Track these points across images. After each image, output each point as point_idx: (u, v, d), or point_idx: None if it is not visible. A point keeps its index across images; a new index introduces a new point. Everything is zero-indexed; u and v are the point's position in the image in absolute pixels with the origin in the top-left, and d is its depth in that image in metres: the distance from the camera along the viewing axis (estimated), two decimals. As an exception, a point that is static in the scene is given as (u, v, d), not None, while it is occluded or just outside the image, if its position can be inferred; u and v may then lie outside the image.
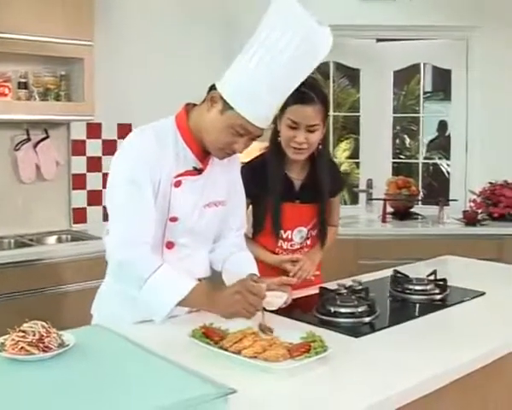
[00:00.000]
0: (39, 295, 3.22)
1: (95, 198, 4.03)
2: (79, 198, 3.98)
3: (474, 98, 4.74)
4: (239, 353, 1.59)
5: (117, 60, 4.03)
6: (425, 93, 7.12)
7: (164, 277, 1.81)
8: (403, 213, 4.60)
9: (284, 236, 2.39)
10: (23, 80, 3.59)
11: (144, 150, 1.84)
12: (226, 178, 2.03)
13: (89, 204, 4.02)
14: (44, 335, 1.54)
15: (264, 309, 1.83)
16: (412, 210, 4.68)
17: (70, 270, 3.35)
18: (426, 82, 7.33)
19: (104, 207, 4.05)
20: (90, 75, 3.64)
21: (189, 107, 1.94)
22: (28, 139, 3.71)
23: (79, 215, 3.98)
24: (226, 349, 1.61)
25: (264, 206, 2.36)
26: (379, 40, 4.94)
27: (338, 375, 1.55)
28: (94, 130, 3.99)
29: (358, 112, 5.12)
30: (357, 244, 4.16)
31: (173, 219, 1.90)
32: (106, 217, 3.99)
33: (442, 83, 6.45)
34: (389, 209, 4.61)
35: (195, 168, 1.91)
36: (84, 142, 3.97)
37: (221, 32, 4.46)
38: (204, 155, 1.93)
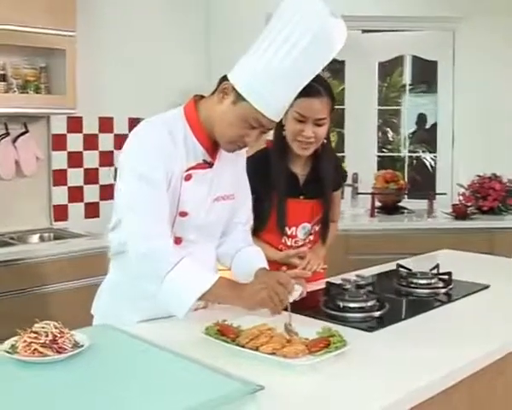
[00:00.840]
0: (21, 296, 3.21)
1: (76, 195, 4.01)
2: (60, 195, 3.95)
3: (460, 90, 4.82)
4: (256, 349, 1.60)
5: (99, 51, 4.01)
6: (408, 85, 7.21)
7: (187, 269, 1.81)
8: (390, 208, 4.66)
9: (289, 232, 2.41)
10: (1, 72, 3.55)
11: (158, 144, 1.83)
12: (233, 172, 2.04)
13: (70, 201, 3.99)
14: (58, 335, 1.54)
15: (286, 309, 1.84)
16: (399, 204, 4.75)
17: (53, 269, 3.33)
18: (408, 74, 7.42)
19: (86, 204, 4.04)
20: (71, 67, 3.62)
21: (197, 98, 1.94)
22: (7, 134, 3.68)
23: (60, 212, 3.95)
24: (243, 346, 1.62)
25: (268, 202, 2.37)
26: (364, 31, 5.00)
27: (358, 370, 1.58)
28: (75, 124, 3.96)
29: (342, 104, 5.16)
30: (347, 240, 4.19)
31: (183, 214, 1.91)
32: (88, 214, 4.04)
33: (423, 75, 6.54)
34: (377, 203, 4.66)
35: (205, 161, 1.92)
36: (64, 136, 3.94)
37: (202, 18, 4.48)
38: (213, 148, 1.93)
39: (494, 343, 1.81)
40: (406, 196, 4.99)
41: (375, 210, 4.59)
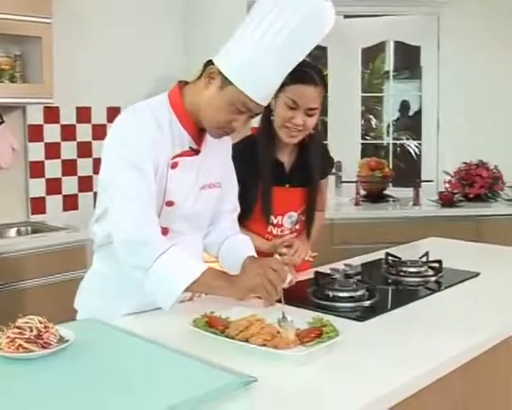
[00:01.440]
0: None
1: (54, 187, 3.97)
2: (37, 187, 3.91)
3: (445, 76, 4.85)
4: (246, 341, 1.60)
5: (76, 39, 3.97)
6: (388, 71, 7.23)
7: (175, 258, 1.81)
8: (375, 196, 4.68)
9: (275, 221, 2.41)
10: (-26, 61, 3.50)
11: (144, 131, 1.82)
12: (219, 159, 2.03)
13: (48, 193, 3.94)
14: (43, 330, 1.51)
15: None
16: (385, 192, 4.76)
17: (31, 264, 3.31)
18: (392, 60, 7.44)
19: (64, 196, 4.01)
20: (48, 55, 3.57)
21: (182, 85, 1.92)
22: (-19, 125, 3.62)
23: (38, 205, 3.91)
24: (233, 338, 1.62)
25: (254, 190, 2.37)
26: (346, 16, 4.99)
27: (352, 360, 1.58)
28: (52, 114, 3.92)
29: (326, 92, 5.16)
30: (331, 229, 4.20)
31: (170, 204, 1.89)
32: (66, 206, 4.00)
33: (407, 61, 6.56)
34: (361, 192, 4.68)
35: (192, 148, 1.91)
36: (41, 127, 3.90)
37: (181, 4, 4.45)
38: (199, 135, 1.92)
39: (488, 331, 1.82)
40: (391, 184, 5.02)
41: (360, 199, 4.60)
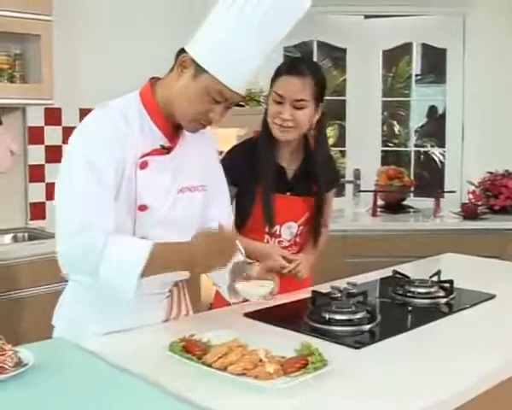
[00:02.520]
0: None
1: (54, 192, 3.88)
2: (37, 192, 3.83)
3: (471, 80, 4.68)
4: (225, 369, 1.49)
5: (78, 37, 3.88)
6: (416, 75, 7.06)
7: (115, 251, 1.68)
8: (394, 206, 4.55)
9: (272, 231, 2.30)
10: (-29, 59, 3.44)
11: (106, 128, 1.73)
12: (202, 161, 1.94)
13: (48, 198, 3.85)
14: (-2, 353, 1.42)
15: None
16: (404, 203, 4.62)
17: (27, 273, 3.22)
18: (417, 63, 7.27)
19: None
20: (47, 54, 3.49)
21: (154, 80, 1.85)
22: (-22, 126, 3.56)
23: (37, 211, 3.83)
24: (210, 365, 1.51)
25: (251, 196, 2.28)
26: (367, 16, 4.86)
27: (339, 394, 1.46)
28: (53, 115, 3.84)
29: (343, 95, 5.04)
30: (345, 241, 4.09)
31: (142, 208, 1.79)
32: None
33: (433, 64, 6.40)
34: (379, 202, 4.54)
35: (163, 147, 1.82)
36: (42, 129, 3.82)
37: (185, 2, 4.37)
38: (174, 132, 1.84)
39: (500, 361, 1.68)
40: (412, 194, 4.88)
41: (378, 209, 4.46)
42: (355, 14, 4.83)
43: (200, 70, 1.71)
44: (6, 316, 3.11)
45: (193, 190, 1.90)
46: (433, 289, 2.21)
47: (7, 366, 1.41)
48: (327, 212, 2.46)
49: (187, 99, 1.74)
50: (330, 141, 7.40)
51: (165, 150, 1.82)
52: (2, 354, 1.43)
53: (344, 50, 4.96)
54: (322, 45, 5.33)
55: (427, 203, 4.54)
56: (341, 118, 5.28)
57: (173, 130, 1.83)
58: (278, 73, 2.24)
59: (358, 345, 1.74)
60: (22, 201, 3.78)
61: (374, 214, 4.42)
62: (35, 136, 3.81)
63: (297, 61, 2.25)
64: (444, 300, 2.17)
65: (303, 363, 1.49)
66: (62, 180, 1.76)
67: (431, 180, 6.30)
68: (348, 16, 4.84)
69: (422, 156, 6.88)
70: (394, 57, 6.35)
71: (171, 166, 1.83)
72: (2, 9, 3.29)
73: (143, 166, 1.78)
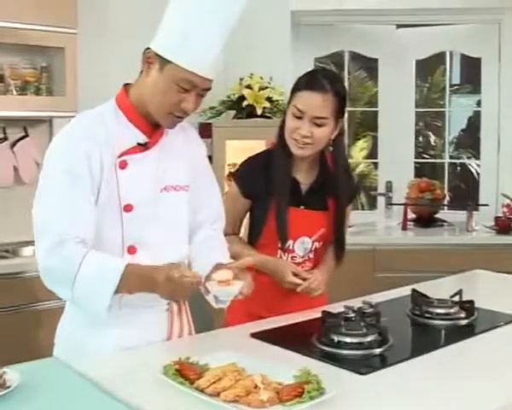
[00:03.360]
0: (13, 314, 3.11)
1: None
2: (62, 204, 3.82)
3: (507, 90, 4.51)
4: (217, 395, 1.40)
5: (103, 49, 3.89)
6: (452, 85, 6.87)
7: (90, 270, 1.68)
8: (426, 220, 4.41)
9: (285, 246, 2.22)
10: (-2, 73, 3.46)
11: (78, 134, 1.75)
12: (186, 161, 1.92)
13: (72, 210, 3.86)
14: (-20, 375, 1.37)
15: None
16: (437, 216, 4.49)
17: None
18: (453, 73, 7.08)
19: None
20: (72, 66, 3.52)
21: (128, 85, 1.86)
22: (5, 138, 3.60)
23: (62, 223, 3.83)
24: (203, 391, 1.42)
25: (265, 210, 2.21)
26: (399, 26, 4.74)
27: (336, 425, 1.36)
28: None
29: (377, 107, 4.92)
30: (374, 255, 4.00)
31: (128, 209, 1.78)
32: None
33: (470, 74, 6.23)
34: (411, 215, 4.42)
35: (140, 144, 1.80)
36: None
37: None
38: (152, 130, 1.83)
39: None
40: (446, 208, 4.73)
41: (409, 222, 4.33)
42: (386, 24, 4.72)
43: (164, 62, 1.72)
44: (28, 328, 3.10)
45: (178, 189, 1.89)
46: (452, 310, 2.08)
47: (-11, 389, 1.36)
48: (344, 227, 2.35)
49: (158, 93, 1.74)
50: (363, 153, 7.27)
51: (143, 147, 1.80)
52: (-15, 376, 1.37)
53: (376, 60, 4.86)
54: (354, 56, 5.24)
55: (461, 217, 4.38)
56: (375, 129, 5.15)
57: (151, 128, 1.82)
58: (298, 87, 2.15)
59: (365, 371, 1.63)
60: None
61: (404, 228, 4.29)
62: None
63: (318, 75, 2.12)
64: (464, 321, 2.04)
65: (299, 391, 1.40)
66: (39, 193, 1.75)
67: (466, 193, 6.12)
68: (380, 26, 4.74)
69: (459, 168, 6.69)
70: (430, 67, 6.19)
71: (152, 162, 1.82)
72: (28, 23, 3.34)
73: (123, 165, 1.77)
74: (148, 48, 1.76)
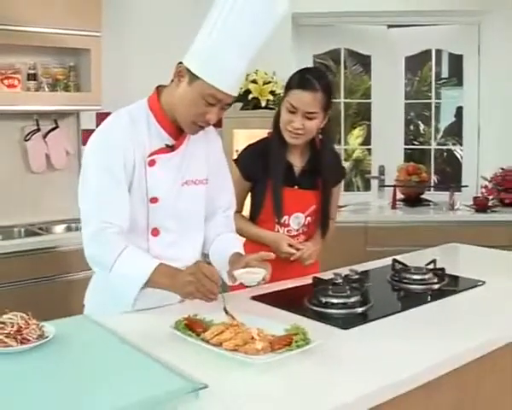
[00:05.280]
0: (48, 283, 3.22)
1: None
2: (90, 187, 3.93)
3: (485, 83, 4.58)
4: (220, 345, 1.53)
5: (126, 49, 3.97)
6: (441, 79, 6.92)
7: (127, 261, 1.78)
8: (413, 200, 4.50)
9: (281, 221, 2.33)
10: (32, 72, 3.56)
11: (117, 134, 1.82)
12: (206, 157, 2.00)
13: (99, 193, 3.97)
14: (23, 326, 1.50)
15: (224, 290, 1.80)
16: (423, 197, 4.57)
17: (78, 258, 3.27)
18: (442, 67, 7.12)
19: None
20: (96, 66, 3.60)
21: (161, 88, 1.92)
22: (38, 130, 3.69)
23: (90, 204, 3.94)
24: (207, 341, 1.55)
25: (263, 190, 2.32)
26: (390, 26, 4.81)
27: (319, 369, 1.47)
28: (103, 119, 3.88)
29: (370, 98, 5.00)
30: (366, 231, 4.09)
31: (154, 200, 1.88)
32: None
33: (459, 68, 6.27)
34: (400, 196, 4.51)
35: (168, 145, 1.88)
36: (93, 131, 3.91)
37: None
38: (178, 132, 1.90)
39: (479, 338, 1.68)
40: (432, 189, 4.82)
41: (398, 202, 4.42)
42: (379, 24, 4.79)
43: (193, 77, 1.77)
44: (60, 295, 3.21)
45: (197, 183, 1.97)
46: (427, 276, 2.19)
47: (31, 338, 1.49)
48: (333, 205, 2.46)
49: (185, 104, 1.81)
50: (359, 140, 7.34)
51: (170, 149, 1.89)
52: (27, 328, 1.50)
53: (369, 57, 4.92)
54: (351, 53, 5.30)
55: (445, 197, 4.46)
56: (369, 119, 5.23)
57: (178, 131, 1.89)
58: (292, 85, 2.24)
59: (347, 326, 1.75)
60: (76, 195, 3.86)
61: (393, 207, 4.39)
62: (87, 137, 3.85)
63: (309, 76, 2.21)
64: (436, 286, 2.15)
65: (288, 341, 1.52)
66: (84, 184, 1.84)
67: (452, 176, 6.18)
68: (373, 26, 4.80)
69: (445, 154, 6.75)
70: (419, 62, 6.25)
71: (177, 162, 1.90)
72: (58, 28, 3.41)
73: (152, 164, 1.85)
74: (181, 62, 1.82)
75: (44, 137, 3.71)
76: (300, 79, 2.22)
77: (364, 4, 4.48)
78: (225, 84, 1.76)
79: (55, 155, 3.74)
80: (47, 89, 3.60)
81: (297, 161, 2.36)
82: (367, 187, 5.31)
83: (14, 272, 3.11)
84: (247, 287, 1.99)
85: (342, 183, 2.60)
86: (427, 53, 5.11)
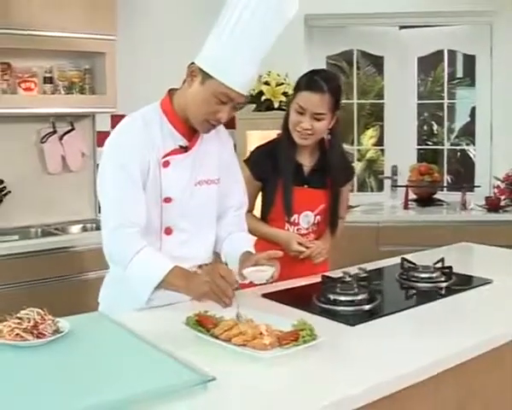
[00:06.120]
0: (64, 282, 3.28)
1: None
2: (105, 188, 3.99)
3: (498, 83, 4.58)
4: (229, 340, 1.57)
5: (140, 52, 4.02)
6: (454, 79, 6.91)
7: (143, 260, 1.83)
8: (426, 200, 4.50)
9: (291, 219, 2.38)
10: (48, 75, 3.63)
11: (132, 136, 1.87)
12: (218, 156, 2.03)
13: (114, 194, 4.03)
14: (39, 322, 1.56)
15: (237, 288, 1.82)
16: (436, 197, 4.57)
17: (93, 258, 3.36)
18: (457, 68, 7.11)
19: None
20: (111, 69, 3.66)
21: (173, 91, 1.96)
22: (54, 132, 3.75)
23: (105, 205, 4.00)
24: (217, 337, 1.59)
25: (273, 189, 2.37)
26: (402, 27, 4.83)
27: (325, 364, 1.51)
28: (118, 121, 3.88)
29: (383, 99, 5.02)
30: (378, 231, 4.11)
31: (168, 200, 1.92)
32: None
33: (472, 69, 6.26)
34: (412, 196, 4.52)
35: (181, 146, 1.93)
36: (108, 133, 3.91)
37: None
38: (191, 133, 1.94)
39: (483, 334, 1.71)
40: (445, 189, 4.83)
41: (410, 202, 4.44)
42: (391, 25, 4.81)
43: (206, 76, 1.81)
44: (76, 294, 3.25)
45: (209, 183, 2.01)
46: (434, 275, 2.22)
47: (46, 333, 1.55)
48: (342, 205, 2.50)
49: (198, 103, 1.84)
50: (372, 140, 7.36)
51: (184, 149, 1.93)
52: (43, 323, 1.56)
53: (381, 58, 4.94)
54: (364, 54, 5.32)
55: (457, 197, 4.46)
56: (382, 119, 5.25)
57: (190, 132, 1.94)
58: (300, 87, 2.29)
59: (354, 322, 1.79)
60: (92, 196, 3.94)
61: (405, 207, 4.40)
62: (103, 139, 3.93)
63: (317, 77, 2.25)
64: (443, 284, 2.18)
65: (295, 336, 1.56)
66: (102, 184, 1.90)
67: (465, 176, 6.17)
68: (385, 27, 4.82)
69: (459, 154, 6.74)
70: (433, 62, 6.25)
71: (190, 162, 1.94)
72: (74, 32, 3.48)
73: (166, 164, 1.90)
74: (193, 62, 1.86)
75: (60, 139, 3.77)
76: (308, 81, 2.26)
77: (376, 5, 4.51)
78: (237, 83, 1.80)
79: (70, 157, 3.81)
80: (63, 92, 3.67)
81: (306, 161, 2.40)
82: (380, 187, 5.33)
83: (30, 271, 3.17)
84: (256, 285, 2.03)
85: (353, 182, 2.63)
86: (441, 53, 5.11)
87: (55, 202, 3.81)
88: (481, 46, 4.65)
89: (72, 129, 3.82)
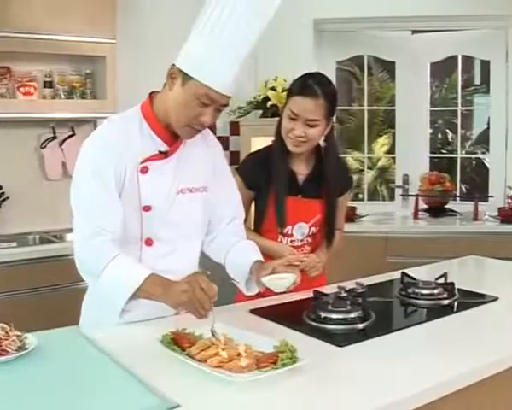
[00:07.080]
0: (61, 291, 3.20)
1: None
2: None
3: (513, 89, 4.44)
4: (205, 361, 1.47)
5: (138, 57, 3.95)
6: (471, 85, 6.76)
7: (118, 268, 1.71)
8: (437, 210, 4.36)
9: (284, 231, 2.26)
10: (48, 79, 3.57)
11: (108, 140, 1.78)
12: (205, 164, 1.94)
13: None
14: (2, 337, 1.47)
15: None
16: (448, 207, 4.43)
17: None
18: (474, 74, 6.96)
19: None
20: (112, 73, 3.59)
21: (154, 94, 1.87)
22: (54, 137, 3.69)
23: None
24: (192, 357, 1.49)
25: (266, 199, 2.26)
26: (414, 32, 4.70)
27: (304, 390, 1.40)
28: None
29: (393, 105, 4.90)
30: (387, 241, 3.98)
31: (147, 209, 1.82)
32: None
33: (489, 75, 6.10)
34: (423, 206, 4.38)
35: (161, 152, 1.83)
36: (109, 138, 3.91)
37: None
38: (172, 138, 1.85)
39: (484, 358, 1.58)
40: (458, 199, 4.67)
41: (421, 212, 4.31)
42: (403, 30, 4.69)
43: (186, 77, 1.73)
44: (73, 302, 3.18)
45: (193, 191, 1.90)
46: (436, 291, 2.09)
47: (9, 350, 1.45)
48: (340, 216, 2.38)
49: (179, 106, 1.75)
50: (384, 148, 7.22)
51: (163, 155, 1.83)
52: (7, 339, 1.47)
53: (393, 63, 4.82)
54: (376, 59, 5.20)
55: (471, 207, 4.31)
56: (391, 126, 5.13)
57: (172, 137, 1.84)
58: (293, 91, 2.18)
59: (343, 343, 1.66)
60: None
61: (415, 217, 4.27)
62: (104, 145, 3.90)
63: (310, 81, 2.13)
64: (445, 301, 2.05)
65: (275, 359, 1.45)
66: (75, 189, 1.80)
67: (480, 185, 6.01)
68: (397, 32, 4.70)
69: (474, 162, 6.58)
70: (448, 69, 6.11)
71: (171, 169, 1.84)
72: (74, 35, 3.43)
73: (144, 170, 1.80)
74: (173, 64, 1.78)
75: (61, 144, 3.71)
76: (302, 85, 2.14)
77: (387, 9, 4.39)
78: (218, 83, 1.71)
79: (71, 163, 3.66)
80: (63, 96, 3.61)
81: (301, 169, 2.29)
82: (392, 197, 5.20)
83: (29, 278, 3.12)
84: (276, 294, 1.95)
85: (351, 192, 2.51)
86: (456, 59, 4.98)
87: (55, 209, 3.72)
88: (496, 51, 4.50)
89: (73, 134, 3.75)
